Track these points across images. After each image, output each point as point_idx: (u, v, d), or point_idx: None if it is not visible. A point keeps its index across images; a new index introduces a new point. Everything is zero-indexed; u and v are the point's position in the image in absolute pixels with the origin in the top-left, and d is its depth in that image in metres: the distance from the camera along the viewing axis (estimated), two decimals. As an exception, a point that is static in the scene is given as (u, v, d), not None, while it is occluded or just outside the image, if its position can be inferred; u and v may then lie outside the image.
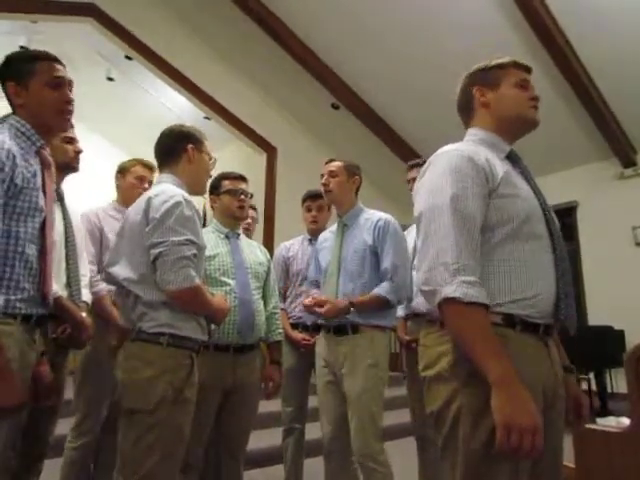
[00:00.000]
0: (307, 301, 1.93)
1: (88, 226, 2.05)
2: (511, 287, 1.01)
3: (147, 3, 4.79)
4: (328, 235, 2.16)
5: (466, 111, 1.23)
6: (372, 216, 2.04)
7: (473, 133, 1.19)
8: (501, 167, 1.09)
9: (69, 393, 1.64)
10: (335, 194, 2.07)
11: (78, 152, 1.78)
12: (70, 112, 1.34)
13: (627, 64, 4.29)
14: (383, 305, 1.88)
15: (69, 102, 1.33)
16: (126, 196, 2.12)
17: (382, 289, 1.87)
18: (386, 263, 1.91)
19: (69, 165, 1.74)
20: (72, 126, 1.81)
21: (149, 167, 2.18)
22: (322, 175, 2.10)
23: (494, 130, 1.17)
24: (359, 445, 1.77)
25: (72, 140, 1.77)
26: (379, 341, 1.88)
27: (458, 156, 1.06)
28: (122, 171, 2.22)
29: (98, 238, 2.05)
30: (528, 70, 1.21)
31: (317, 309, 1.86)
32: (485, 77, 1.19)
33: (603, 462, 1.60)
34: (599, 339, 4.23)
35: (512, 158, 1.17)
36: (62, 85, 1.32)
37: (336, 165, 2.09)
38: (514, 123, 1.17)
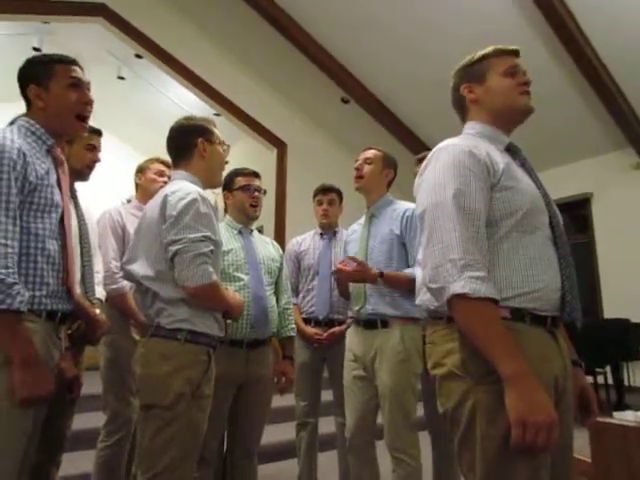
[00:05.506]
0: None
1: (110, 223, 2.07)
2: (518, 281, 1.00)
3: (156, 2, 4.81)
4: (356, 227, 2.13)
5: (460, 109, 1.22)
6: (400, 206, 1.99)
7: (470, 127, 1.18)
8: (501, 160, 1.07)
9: (85, 388, 1.67)
10: (366, 181, 2.01)
11: (94, 161, 1.77)
12: (89, 113, 1.36)
13: (643, 51, 4.20)
14: (412, 286, 1.77)
15: (89, 103, 1.35)
16: (147, 192, 2.15)
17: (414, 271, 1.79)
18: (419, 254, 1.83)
19: (80, 173, 1.73)
20: (100, 134, 1.83)
21: (167, 164, 2.21)
22: (356, 160, 2.05)
23: (490, 123, 1.15)
24: (392, 438, 1.76)
25: (94, 148, 1.77)
26: (410, 334, 1.83)
27: (458, 151, 1.05)
28: (142, 170, 2.27)
29: (120, 235, 2.07)
30: (515, 53, 1.17)
31: (344, 267, 1.83)
32: (471, 72, 1.18)
33: (621, 457, 1.57)
34: (616, 332, 4.15)
35: (511, 150, 1.15)
36: (82, 86, 1.34)
37: (373, 153, 2.04)
38: (507, 114, 1.15)
